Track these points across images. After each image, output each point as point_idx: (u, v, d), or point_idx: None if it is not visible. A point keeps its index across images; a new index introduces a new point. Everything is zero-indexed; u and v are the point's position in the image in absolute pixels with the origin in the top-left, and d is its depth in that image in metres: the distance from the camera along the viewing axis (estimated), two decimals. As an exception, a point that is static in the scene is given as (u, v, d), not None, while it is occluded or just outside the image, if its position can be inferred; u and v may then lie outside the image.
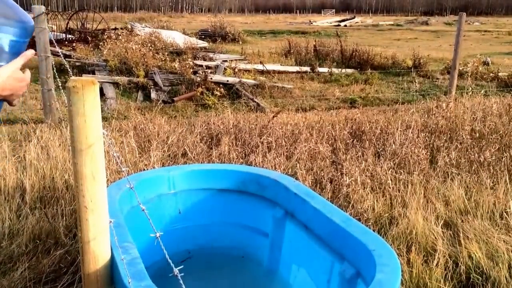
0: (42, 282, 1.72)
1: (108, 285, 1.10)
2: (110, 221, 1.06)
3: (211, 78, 5.87)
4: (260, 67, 7.42)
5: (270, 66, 7.72)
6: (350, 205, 2.33)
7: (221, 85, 5.71)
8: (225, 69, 6.95)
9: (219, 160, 2.84)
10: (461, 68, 6.54)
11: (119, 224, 1.20)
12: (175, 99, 5.32)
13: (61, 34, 10.22)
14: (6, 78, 0.96)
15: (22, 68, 0.97)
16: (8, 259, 1.32)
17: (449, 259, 1.88)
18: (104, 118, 4.16)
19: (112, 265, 1.08)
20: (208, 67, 7.00)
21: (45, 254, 1.78)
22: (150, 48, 7.60)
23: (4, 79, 0.96)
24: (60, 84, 3.40)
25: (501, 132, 3.45)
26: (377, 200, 2.36)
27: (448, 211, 2.30)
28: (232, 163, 2.76)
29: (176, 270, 0.82)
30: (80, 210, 1.01)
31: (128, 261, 1.04)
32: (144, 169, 2.58)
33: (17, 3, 1.06)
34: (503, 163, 2.92)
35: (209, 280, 1.42)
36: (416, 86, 6.33)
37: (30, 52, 0.99)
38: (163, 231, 1.18)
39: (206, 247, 1.39)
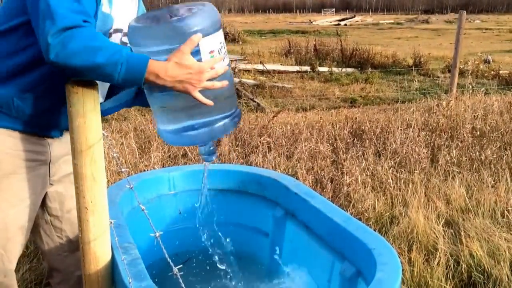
0: (43, 284, 1.72)
1: (109, 286, 1.10)
2: (111, 222, 1.07)
3: (211, 79, 5.87)
4: (260, 67, 7.43)
5: (270, 66, 7.72)
6: (351, 204, 2.33)
7: (221, 85, 5.71)
8: (225, 69, 6.94)
9: (219, 160, 2.84)
10: (461, 67, 6.52)
11: (120, 225, 1.20)
12: (175, 99, 5.32)
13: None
14: (170, 64, 0.93)
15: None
16: (9, 261, 1.35)
17: (450, 257, 1.88)
18: (104, 120, 4.16)
19: (113, 265, 1.09)
20: (208, 68, 6.99)
21: (47, 255, 1.78)
22: (150, 49, 7.59)
23: (166, 65, 0.93)
24: (60, 86, 3.40)
25: (502, 130, 3.44)
26: (377, 199, 2.35)
27: (449, 210, 2.29)
28: (232, 163, 2.76)
29: (175, 269, 0.82)
30: (81, 211, 1.01)
31: (128, 261, 1.04)
32: (144, 170, 2.59)
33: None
34: (504, 161, 2.91)
35: (209, 280, 1.42)
36: (416, 85, 6.32)
37: (197, 37, 0.95)
38: (163, 231, 1.18)
39: (207, 247, 1.40)
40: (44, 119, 1.09)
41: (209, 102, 1.00)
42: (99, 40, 0.90)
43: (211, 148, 1.18)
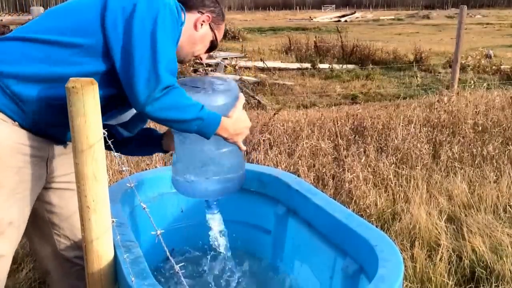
0: (47, 283, 1.73)
1: (112, 284, 1.10)
2: (113, 221, 1.07)
3: (212, 76, 5.88)
4: (260, 64, 7.42)
5: (270, 63, 7.71)
6: (353, 201, 2.32)
7: (222, 83, 5.70)
8: (225, 66, 6.96)
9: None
10: (463, 62, 6.49)
11: (122, 224, 1.20)
12: (176, 98, 5.31)
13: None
14: (235, 119, 1.17)
15: None
16: (13, 260, 1.35)
17: (452, 253, 1.87)
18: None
19: (115, 264, 1.09)
20: (208, 65, 7.01)
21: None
22: (151, 47, 7.58)
23: (234, 121, 1.17)
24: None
25: (504, 125, 3.43)
26: (379, 196, 2.35)
27: (451, 206, 2.29)
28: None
29: (177, 267, 0.82)
30: (83, 210, 1.01)
31: (131, 260, 1.04)
32: (146, 169, 2.59)
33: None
34: (506, 156, 2.91)
35: (212, 277, 1.43)
36: (417, 81, 6.30)
37: (242, 95, 1.24)
38: (165, 229, 1.18)
39: (209, 246, 1.40)
40: (53, 132, 1.12)
41: (244, 148, 1.25)
42: (187, 99, 1.08)
43: (214, 204, 1.35)
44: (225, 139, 1.18)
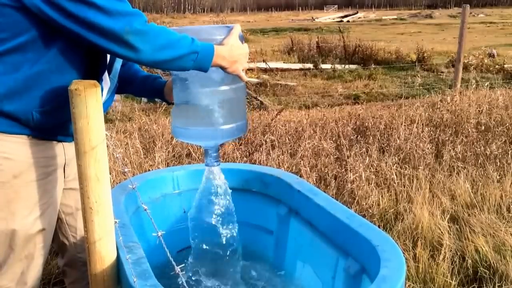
0: (52, 283, 1.75)
1: (114, 285, 1.11)
2: (115, 222, 1.07)
3: (214, 78, 5.88)
4: (263, 65, 7.42)
5: (273, 64, 7.72)
6: (355, 201, 2.32)
7: (224, 84, 5.71)
8: (228, 68, 6.95)
9: (222, 159, 2.85)
10: (466, 61, 6.47)
11: (124, 225, 1.21)
12: (178, 99, 5.32)
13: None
14: (230, 46, 1.11)
15: None
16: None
17: (455, 253, 1.87)
18: (109, 120, 4.19)
19: (118, 265, 1.10)
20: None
21: (54, 256, 1.80)
22: (153, 49, 7.61)
23: (229, 47, 1.11)
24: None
25: (507, 124, 3.42)
26: (382, 196, 2.35)
27: (454, 205, 2.28)
28: (235, 162, 2.77)
29: (178, 269, 0.83)
30: (85, 211, 1.02)
31: (133, 260, 1.05)
32: (149, 170, 2.60)
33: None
34: (509, 155, 2.89)
35: (214, 278, 1.43)
36: (419, 80, 6.28)
37: (238, 25, 1.18)
38: (168, 230, 1.19)
39: (211, 245, 1.40)
40: (63, 129, 1.11)
41: (246, 78, 1.19)
42: (174, 33, 1.01)
43: (215, 154, 1.32)
44: (225, 69, 1.11)
